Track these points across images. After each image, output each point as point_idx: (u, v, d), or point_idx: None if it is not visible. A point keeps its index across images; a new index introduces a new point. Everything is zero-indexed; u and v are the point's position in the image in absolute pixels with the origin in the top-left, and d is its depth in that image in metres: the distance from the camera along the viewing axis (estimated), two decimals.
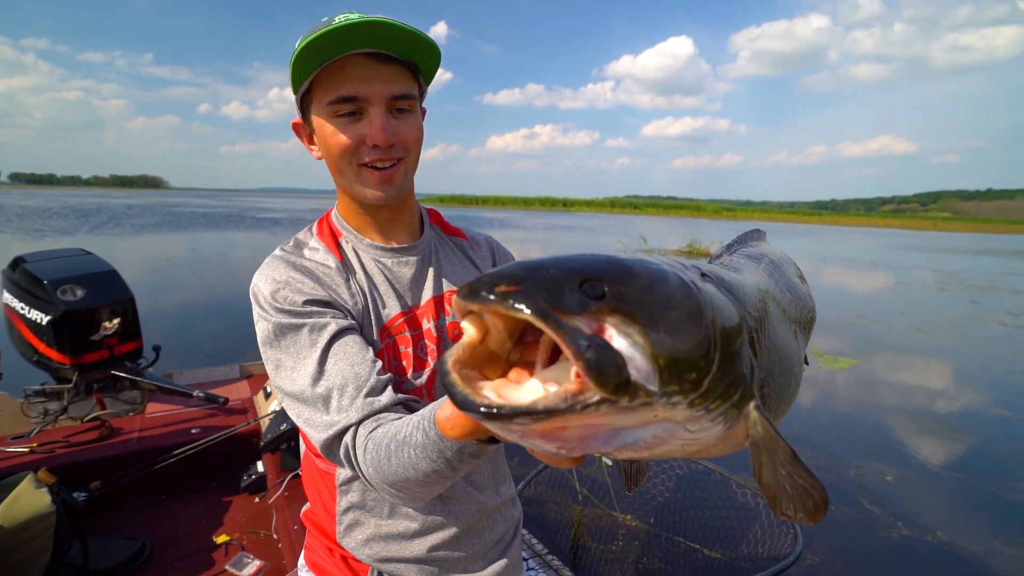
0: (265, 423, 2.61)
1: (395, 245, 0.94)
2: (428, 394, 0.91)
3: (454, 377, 0.40)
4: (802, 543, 1.79)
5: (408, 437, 0.67)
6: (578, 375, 0.36)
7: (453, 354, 0.42)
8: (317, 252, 0.90)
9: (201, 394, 2.94)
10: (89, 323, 2.82)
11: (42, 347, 2.79)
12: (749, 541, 2.14)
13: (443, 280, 0.97)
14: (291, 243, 0.92)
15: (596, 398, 0.35)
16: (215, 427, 2.75)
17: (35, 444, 2.56)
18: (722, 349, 0.43)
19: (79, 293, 2.80)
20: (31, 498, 1.90)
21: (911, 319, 10.52)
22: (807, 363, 0.80)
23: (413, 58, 0.82)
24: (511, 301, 0.37)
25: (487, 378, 0.43)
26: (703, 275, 0.50)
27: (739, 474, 2.36)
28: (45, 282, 2.75)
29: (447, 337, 0.93)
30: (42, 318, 2.75)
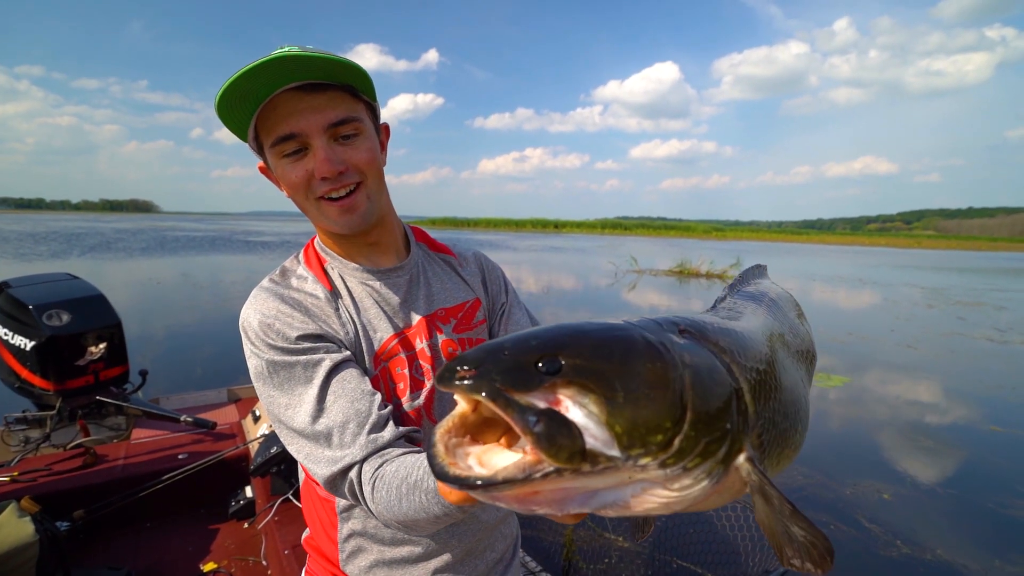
0: (254, 447, 2.56)
1: (383, 266, 0.94)
2: (427, 414, 0.91)
3: (438, 448, 0.43)
4: None
5: (419, 481, 0.68)
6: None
7: (443, 424, 0.45)
8: (305, 281, 0.89)
9: (189, 419, 2.89)
10: (74, 348, 2.77)
11: (25, 373, 2.74)
12: (739, 555, 2.12)
13: (433, 298, 0.97)
14: (278, 272, 0.91)
15: (551, 468, 0.39)
16: (203, 452, 2.69)
17: (16, 473, 2.49)
18: (696, 408, 0.44)
19: (65, 318, 2.76)
20: (14, 527, 1.85)
21: (901, 336, 10.61)
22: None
23: (345, 80, 0.80)
24: (467, 384, 0.41)
25: (482, 443, 0.46)
26: (682, 331, 0.51)
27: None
28: (30, 307, 2.71)
29: (441, 356, 0.93)
30: (26, 343, 2.71)
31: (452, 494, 0.61)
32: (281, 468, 2.35)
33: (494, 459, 0.42)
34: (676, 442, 0.42)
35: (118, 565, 2.20)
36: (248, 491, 2.57)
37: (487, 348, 0.44)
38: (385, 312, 0.91)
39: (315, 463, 0.77)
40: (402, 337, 0.91)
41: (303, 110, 0.77)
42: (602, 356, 0.43)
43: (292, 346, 0.80)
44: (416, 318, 0.93)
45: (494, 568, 1.02)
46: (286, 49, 0.74)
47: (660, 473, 0.42)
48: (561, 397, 0.41)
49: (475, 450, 0.44)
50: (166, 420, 2.94)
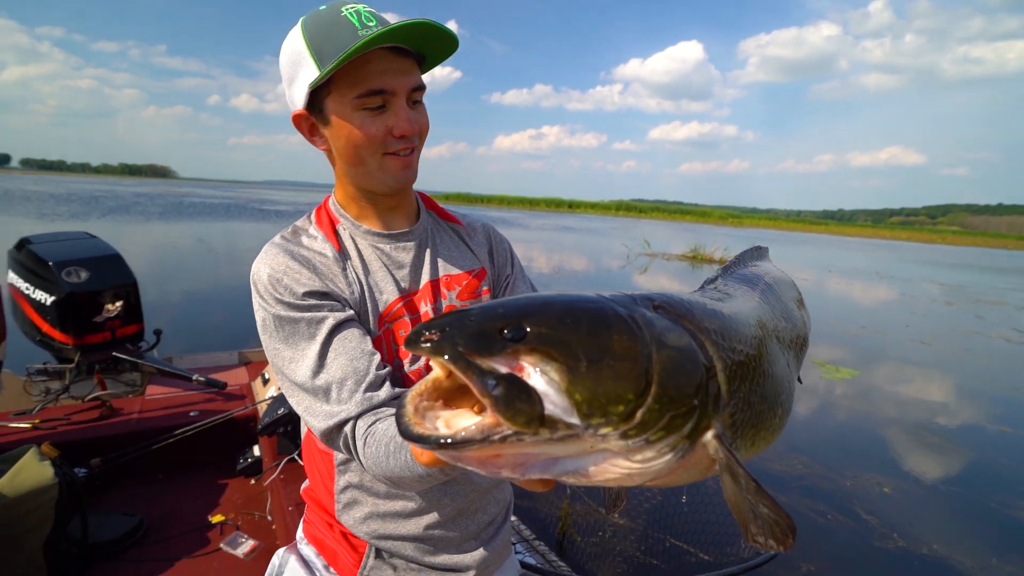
0: (262, 408, 2.63)
1: (393, 230, 0.96)
2: None
3: (407, 408, 0.45)
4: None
5: (406, 442, 0.71)
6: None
7: (416, 387, 0.47)
8: (315, 240, 0.91)
9: (201, 378, 2.97)
10: (92, 305, 2.85)
11: (46, 327, 2.83)
12: (731, 537, 2.15)
13: (439, 264, 0.99)
14: (290, 230, 0.94)
15: (510, 431, 0.40)
16: (213, 411, 2.78)
17: (37, 420, 2.60)
18: (661, 382, 0.44)
19: (83, 275, 2.83)
20: (35, 470, 1.93)
21: (915, 331, 10.47)
22: (800, 381, 0.80)
23: (425, 51, 0.85)
24: (430, 347, 0.43)
25: (455, 408, 0.46)
26: (656, 307, 0.51)
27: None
28: (50, 263, 2.78)
29: None
30: (46, 299, 2.79)
31: (423, 455, 0.62)
32: (287, 429, 2.41)
33: (460, 422, 0.43)
34: (639, 414, 0.43)
35: (131, 512, 2.29)
36: (256, 450, 2.65)
37: (455, 313, 0.46)
38: (392, 274, 0.93)
39: (313, 416, 0.81)
40: (407, 300, 0.93)
41: (394, 71, 0.81)
42: (568, 326, 0.44)
43: (298, 302, 0.82)
44: (422, 282, 0.95)
45: (485, 529, 1.05)
46: (366, 10, 0.81)
47: (621, 444, 0.43)
48: (524, 364, 0.42)
49: (445, 414, 0.45)
50: (179, 378, 3.02)
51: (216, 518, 2.34)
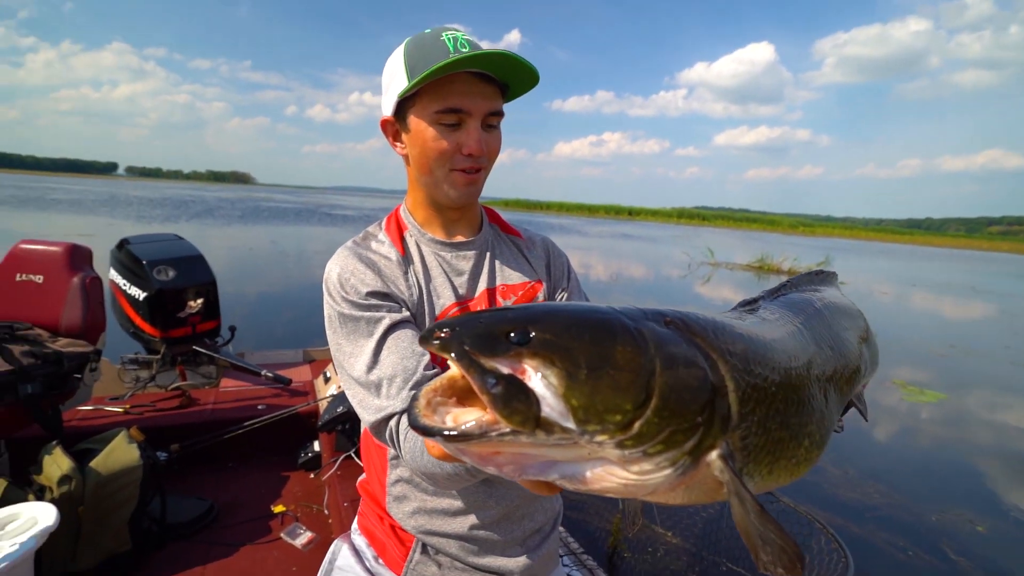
0: (323, 405, 2.75)
1: (457, 240, 1.01)
2: None
3: (419, 401, 0.47)
4: (853, 573, 1.66)
5: None
6: None
7: (431, 384, 0.48)
8: (383, 245, 0.98)
9: (269, 374, 3.15)
10: (177, 302, 3.10)
11: (138, 320, 3.10)
12: None
13: (497, 273, 1.03)
14: (361, 235, 1.01)
15: (507, 429, 0.42)
16: (279, 405, 2.94)
17: (128, 406, 2.86)
18: (663, 396, 0.44)
19: (171, 274, 3.09)
20: (124, 451, 2.13)
21: (1018, 353, 9.41)
22: (841, 428, 0.74)
23: (507, 80, 0.91)
24: (438, 344, 0.45)
25: (467, 406, 0.48)
26: (667, 322, 0.51)
27: (791, 499, 2.22)
28: (144, 262, 3.05)
29: None
30: (140, 294, 3.06)
31: (434, 448, 0.64)
32: (346, 427, 2.51)
33: (465, 418, 0.45)
34: (636, 425, 0.43)
35: (204, 496, 2.47)
36: (316, 445, 2.77)
37: (467, 315, 0.48)
38: (451, 281, 0.98)
39: (364, 409, 0.86)
40: (463, 306, 0.97)
41: (474, 94, 0.87)
42: (572, 333, 0.45)
43: (361, 301, 0.89)
44: (479, 290, 1.00)
45: (531, 537, 1.05)
46: (463, 37, 0.88)
47: (618, 453, 0.44)
48: (526, 367, 0.44)
49: (455, 410, 0.46)
50: (249, 373, 3.23)
51: (278, 508, 2.47)
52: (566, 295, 1.08)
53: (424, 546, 1.01)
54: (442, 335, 0.46)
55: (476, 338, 0.45)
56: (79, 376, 2.26)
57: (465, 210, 1.01)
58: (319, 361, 3.80)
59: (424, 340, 0.47)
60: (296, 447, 2.84)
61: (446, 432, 0.43)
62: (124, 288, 3.16)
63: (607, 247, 28.48)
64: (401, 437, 0.82)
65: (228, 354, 3.36)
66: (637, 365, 0.45)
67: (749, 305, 0.71)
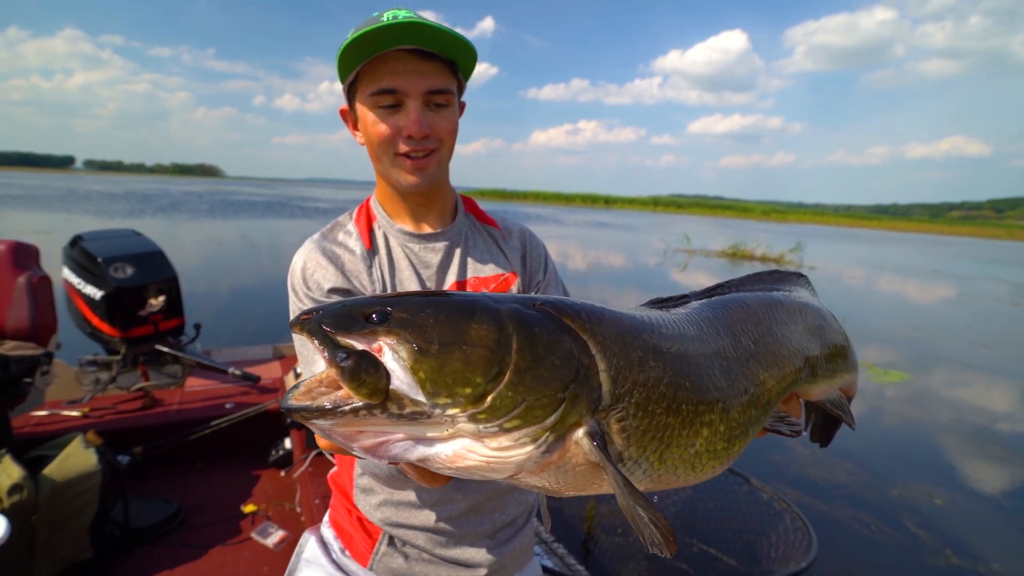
0: None
1: (426, 231, 0.98)
2: None
3: (299, 388, 0.47)
4: (816, 552, 1.71)
5: None
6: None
7: (318, 375, 0.49)
8: (350, 237, 0.95)
9: (237, 371, 3.07)
10: (137, 299, 2.98)
11: (95, 320, 2.98)
12: (762, 546, 2.07)
13: (468, 265, 0.99)
14: (329, 226, 0.99)
15: (359, 403, 0.43)
16: (248, 403, 2.87)
17: (87, 409, 2.75)
18: (518, 370, 0.46)
19: (129, 271, 2.96)
20: (80, 457, 2.04)
21: (977, 334, 9.82)
22: (796, 432, 0.71)
23: (452, 55, 0.86)
24: (299, 324, 0.48)
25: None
26: (536, 306, 0.53)
27: (759, 479, 2.27)
28: (99, 259, 2.92)
29: None
30: (96, 293, 2.93)
31: (322, 441, 0.66)
32: None
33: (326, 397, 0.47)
34: (489, 399, 0.45)
35: (170, 499, 2.39)
36: (287, 443, 2.72)
37: (334, 301, 0.51)
38: (418, 274, 0.95)
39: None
40: None
41: (410, 72, 0.83)
42: (427, 312, 0.47)
43: (323, 297, 0.87)
44: (449, 282, 0.96)
45: (502, 530, 1.03)
46: (406, 14, 0.82)
47: (472, 427, 0.45)
48: (381, 344, 0.46)
49: (334, 395, 0.46)
50: (216, 371, 3.13)
51: (248, 508, 2.41)
52: (542, 288, 1.06)
53: (391, 538, 1.00)
54: (306, 317, 0.48)
55: (334, 318, 0.47)
56: (29, 380, 2.16)
57: (432, 198, 0.97)
58: (289, 357, 3.72)
59: (293, 324, 0.49)
60: (267, 445, 2.78)
61: (302, 407, 0.45)
62: (79, 287, 3.02)
63: (584, 236, 28.64)
64: None
65: (194, 352, 3.25)
66: (491, 341, 0.46)
67: (674, 300, 0.69)
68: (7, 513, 1.74)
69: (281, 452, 2.69)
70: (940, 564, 3.11)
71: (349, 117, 0.94)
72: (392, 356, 0.45)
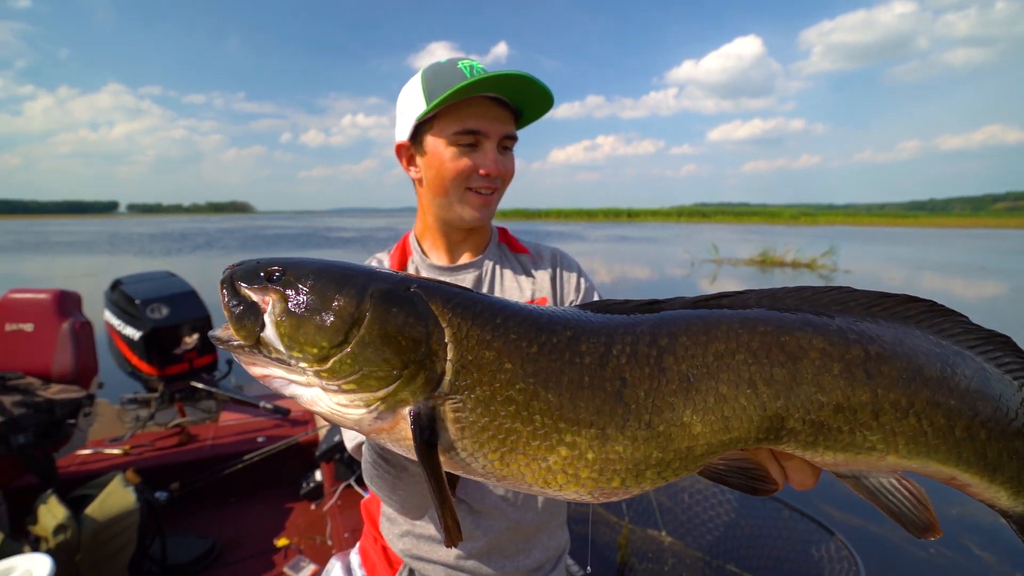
0: (323, 434, 2.73)
1: (459, 263, 1.04)
2: None
3: (223, 325, 0.58)
4: None
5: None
6: None
7: None
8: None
9: (268, 405, 3.13)
10: (172, 338, 3.09)
11: (135, 360, 3.09)
12: (804, 574, 1.96)
13: (495, 294, 1.01)
14: (370, 259, 1.08)
15: (238, 342, 0.55)
16: (278, 436, 2.92)
17: (128, 447, 2.85)
18: (361, 342, 0.52)
19: (164, 311, 3.08)
20: (120, 496, 2.10)
21: None
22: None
23: (521, 107, 0.96)
24: (224, 274, 0.58)
25: None
26: (411, 289, 0.56)
27: (799, 504, 2.16)
28: (137, 301, 3.05)
29: None
30: (135, 334, 3.05)
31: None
32: (343, 455, 2.48)
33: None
34: (330, 361, 0.52)
35: (206, 534, 2.44)
36: (317, 475, 2.74)
37: (254, 258, 0.59)
38: None
39: (346, 437, 0.93)
40: None
41: (492, 117, 0.93)
42: (307, 280, 0.55)
43: None
44: None
45: (529, 574, 1.02)
46: (479, 67, 0.93)
47: (317, 381, 0.53)
48: (268, 299, 0.55)
49: (230, 333, 0.57)
50: (248, 405, 3.21)
51: (281, 542, 2.43)
52: (576, 303, 1.06)
53: (411, 571, 1.01)
54: (229, 268, 0.58)
55: (244, 272, 0.57)
56: (72, 422, 2.25)
57: (472, 232, 1.04)
58: None
59: (224, 275, 0.58)
60: (298, 478, 2.81)
61: (211, 334, 0.58)
62: (119, 329, 3.15)
63: (608, 251, 28.46)
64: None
65: (227, 387, 3.34)
66: (345, 313, 0.53)
67: (639, 304, 0.60)
68: (52, 552, 1.80)
69: (312, 484, 2.72)
70: None
71: (406, 152, 1.01)
72: (270, 311, 0.54)
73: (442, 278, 1.00)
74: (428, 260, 1.04)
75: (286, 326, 0.53)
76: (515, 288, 1.04)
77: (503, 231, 1.13)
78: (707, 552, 2.37)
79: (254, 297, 0.55)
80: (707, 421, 0.52)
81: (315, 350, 0.52)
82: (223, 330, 0.57)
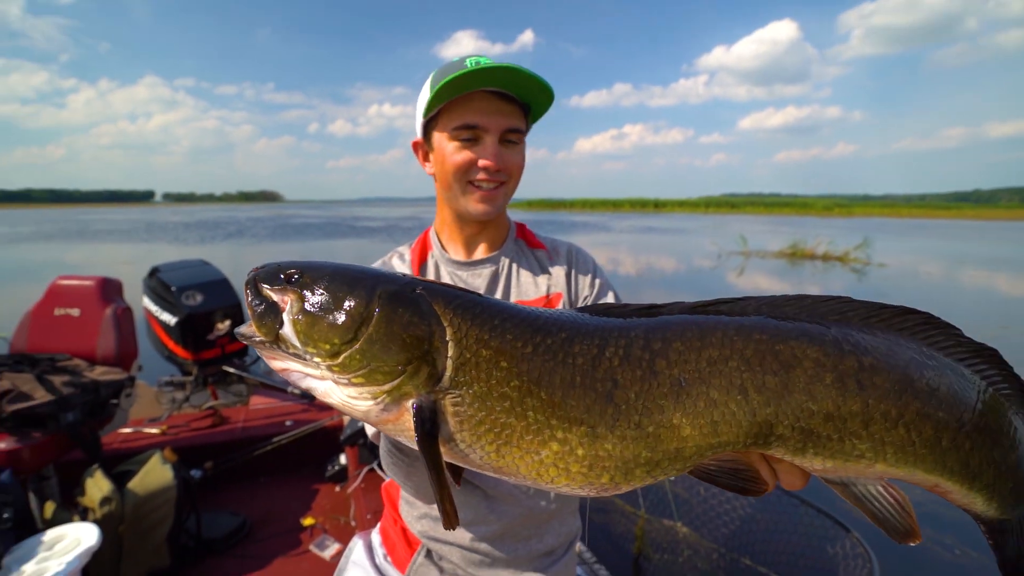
0: (347, 419, 2.82)
1: (476, 257, 1.07)
2: None
3: (247, 322, 0.61)
4: None
5: None
6: None
7: None
8: (403, 264, 1.07)
9: (296, 390, 3.25)
10: (206, 324, 3.23)
11: (171, 344, 3.25)
12: (819, 571, 1.95)
13: (512, 289, 1.06)
14: (390, 254, 1.11)
15: (260, 338, 0.59)
16: (305, 420, 3.03)
17: (165, 427, 3.00)
18: (369, 340, 0.56)
19: (199, 298, 3.22)
20: (159, 473, 2.24)
21: None
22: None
23: (528, 100, 0.96)
24: (248, 277, 0.62)
25: None
26: (418, 291, 0.60)
27: (816, 501, 2.15)
28: (173, 288, 3.19)
29: None
30: (171, 320, 3.20)
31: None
32: (366, 440, 2.57)
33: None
34: (342, 357, 0.56)
35: (237, 512, 2.56)
36: (342, 458, 2.85)
37: (276, 262, 0.63)
38: None
39: (368, 426, 0.97)
40: None
41: (492, 111, 0.94)
42: (322, 283, 0.59)
43: None
44: None
45: (540, 559, 1.06)
46: (487, 61, 0.92)
47: (329, 374, 0.57)
48: (287, 299, 0.59)
49: (253, 330, 0.60)
50: (277, 390, 3.34)
51: (307, 521, 2.54)
52: (590, 299, 1.08)
53: (428, 551, 1.05)
54: (254, 271, 0.62)
55: (266, 274, 0.61)
56: (115, 402, 2.39)
57: (487, 227, 1.06)
58: None
59: (248, 277, 0.62)
60: (324, 461, 2.92)
61: (236, 330, 0.62)
62: (157, 315, 3.31)
63: (633, 242, 28.13)
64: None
65: (257, 372, 3.48)
66: (356, 313, 0.57)
67: (634, 308, 0.62)
68: (99, 523, 1.94)
69: (337, 468, 2.82)
70: None
71: (421, 149, 1.05)
72: (288, 310, 0.58)
73: (460, 273, 1.04)
74: (447, 255, 1.06)
75: (302, 324, 0.57)
76: (531, 284, 1.06)
77: (521, 227, 1.15)
78: (722, 544, 2.38)
79: (274, 297, 0.59)
80: (696, 424, 0.54)
81: (327, 346, 0.56)
82: (248, 327, 0.61)
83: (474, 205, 0.98)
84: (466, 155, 0.94)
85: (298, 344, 0.57)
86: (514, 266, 1.07)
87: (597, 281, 1.09)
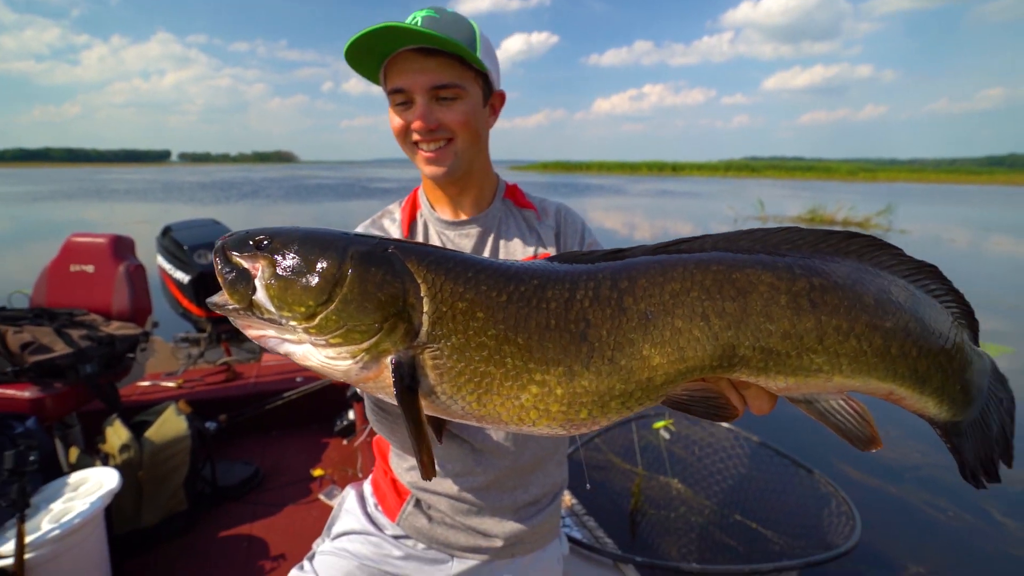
0: None
1: (462, 217, 1.06)
2: None
3: (220, 291, 0.62)
4: (859, 537, 1.65)
5: None
6: None
7: None
8: (394, 224, 1.07)
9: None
10: (217, 283, 3.30)
11: (185, 302, 3.33)
12: (808, 527, 2.02)
13: (500, 249, 1.06)
14: (380, 212, 1.11)
15: (233, 305, 0.59)
16: (315, 377, 3.12)
17: (181, 381, 3.12)
18: (344, 299, 0.56)
19: (210, 257, 3.28)
20: (174, 423, 2.34)
21: None
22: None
23: (455, 51, 0.90)
24: (215, 245, 0.62)
25: None
26: (390, 250, 0.60)
27: (806, 461, 2.19)
28: (185, 247, 3.25)
29: None
30: (184, 277, 3.28)
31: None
32: None
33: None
34: (317, 319, 0.56)
35: (250, 461, 2.69)
36: (350, 414, 2.94)
37: (244, 229, 0.63)
38: None
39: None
40: None
41: (414, 70, 0.91)
42: (293, 246, 0.59)
43: None
44: None
45: (525, 508, 1.10)
46: (425, 13, 0.90)
47: (307, 338, 0.57)
48: (258, 265, 0.59)
49: (225, 298, 0.61)
50: None
51: (316, 471, 2.66)
52: None
53: (418, 500, 1.10)
54: (222, 239, 0.62)
55: (234, 241, 0.61)
56: (131, 356, 2.48)
57: (466, 186, 1.04)
58: None
59: (216, 245, 0.62)
60: (332, 415, 3.02)
61: (209, 300, 0.62)
62: (170, 272, 3.38)
63: (649, 206, 27.66)
64: None
65: None
66: (328, 274, 0.57)
67: (600, 254, 0.64)
68: (119, 468, 2.05)
69: (345, 422, 2.92)
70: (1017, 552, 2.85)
71: None
72: (260, 276, 0.58)
73: (448, 232, 1.04)
74: (435, 214, 1.06)
75: (275, 288, 0.57)
76: (519, 244, 1.06)
77: (512, 187, 1.14)
78: (715, 501, 2.45)
79: (245, 264, 0.59)
80: (664, 353, 0.57)
81: (302, 309, 0.57)
82: (220, 296, 0.61)
83: (424, 167, 0.98)
84: (401, 119, 0.94)
85: (272, 309, 0.57)
86: (502, 226, 1.07)
87: (587, 239, 1.10)
